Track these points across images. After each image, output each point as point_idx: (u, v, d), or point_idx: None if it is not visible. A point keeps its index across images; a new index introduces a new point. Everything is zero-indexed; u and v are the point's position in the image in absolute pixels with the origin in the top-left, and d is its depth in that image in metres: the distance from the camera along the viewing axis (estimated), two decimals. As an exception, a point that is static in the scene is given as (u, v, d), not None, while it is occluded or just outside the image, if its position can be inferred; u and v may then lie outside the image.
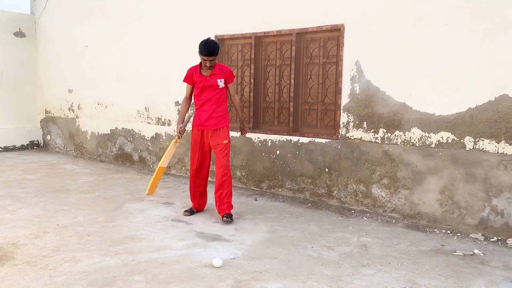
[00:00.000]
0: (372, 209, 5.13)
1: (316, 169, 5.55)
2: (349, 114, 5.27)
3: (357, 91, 5.17)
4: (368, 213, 5.07)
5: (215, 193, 4.66)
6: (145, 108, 7.54)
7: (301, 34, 5.68)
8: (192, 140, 4.77)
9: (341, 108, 5.32)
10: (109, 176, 6.95)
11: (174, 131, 7.09)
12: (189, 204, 5.21)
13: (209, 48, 4.42)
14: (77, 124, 8.89)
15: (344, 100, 5.28)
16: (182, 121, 4.80)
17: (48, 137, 9.63)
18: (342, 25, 5.23)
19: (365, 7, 5.05)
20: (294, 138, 5.75)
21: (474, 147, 4.46)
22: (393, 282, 3.30)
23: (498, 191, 4.32)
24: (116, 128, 8.08)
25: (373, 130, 5.10)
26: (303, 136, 5.67)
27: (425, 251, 3.95)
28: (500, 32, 4.24)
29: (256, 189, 6.17)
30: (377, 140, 5.09)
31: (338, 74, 5.33)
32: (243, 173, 6.29)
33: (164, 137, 7.26)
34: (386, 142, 5.02)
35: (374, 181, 5.09)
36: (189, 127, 6.37)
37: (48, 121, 9.57)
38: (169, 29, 7.03)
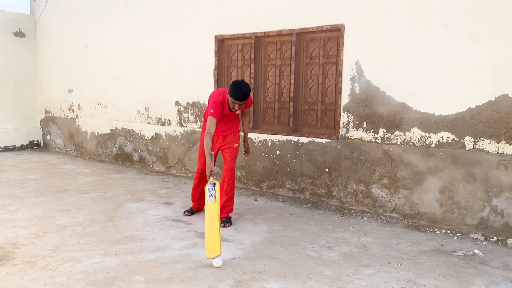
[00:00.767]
0: (372, 209, 5.13)
1: (316, 169, 5.55)
2: (349, 114, 5.26)
3: (357, 91, 5.17)
4: (368, 213, 5.07)
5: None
6: (145, 108, 7.54)
7: (301, 34, 5.68)
8: (201, 143, 4.75)
9: (341, 108, 5.32)
10: (109, 176, 6.95)
11: (174, 131, 7.09)
12: (189, 204, 5.21)
13: (243, 94, 4.22)
14: (77, 124, 8.89)
15: (344, 100, 5.28)
16: (210, 162, 4.31)
17: (48, 137, 9.62)
18: (342, 25, 5.23)
19: (365, 7, 5.05)
20: (294, 138, 5.75)
21: (474, 147, 4.46)
22: (393, 282, 3.30)
23: (498, 191, 4.32)
24: (116, 128, 8.08)
25: (373, 130, 5.10)
26: (303, 136, 5.67)
27: (425, 251, 3.95)
28: (500, 32, 4.24)
29: (256, 189, 6.16)
30: (377, 140, 5.08)
31: (338, 74, 5.33)
32: (243, 173, 6.29)
33: (164, 137, 7.26)
34: (386, 142, 5.02)
35: (374, 181, 5.09)
36: (192, 127, 6.36)
37: (48, 121, 9.57)
38: (169, 29, 7.03)
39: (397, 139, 4.94)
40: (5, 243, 3.89)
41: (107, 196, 5.66)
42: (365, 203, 5.18)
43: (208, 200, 3.90)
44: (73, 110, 8.96)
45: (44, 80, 9.53)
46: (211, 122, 4.35)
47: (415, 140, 4.81)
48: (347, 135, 5.30)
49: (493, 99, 4.31)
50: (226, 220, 4.55)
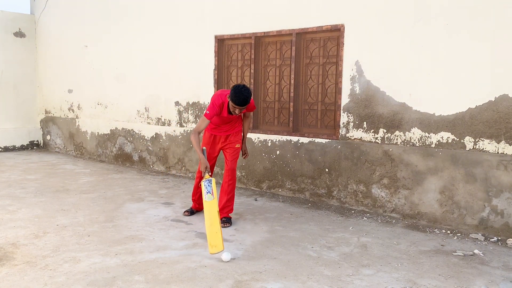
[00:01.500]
0: (372, 209, 5.13)
1: (316, 169, 5.55)
2: (349, 114, 5.26)
3: (357, 91, 5.17)
4: (368, 213, 5.07)
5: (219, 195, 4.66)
6: (145, 108, 7.54)
7: (301, 34, 5.68)
8: (203, 143, 4.74)
9: (341, 108, 5.32)
10: (109, 176, 6.95)
11: (174, 131, 7.10)
12: (189, 204, 5.21)
13: (243, 99, 4.18)
14: (77, 124, 8.89)
15: (344, 100, 5.28)
16: (204, 158, 4.33)
17: (48, 137, 9.62)
18: (342, 25, 5.23)
19: (365, 7, 5.05)
20: (294, 138, 5.75)
21: (474, 147, 4.46)
22: (393, 282, 3.30)
23: (498, 191, 4.32)
24: (116, 128, 8.08)
25: (373, 130, 5.10)
26: (303, 136, 5.67)
27: (425, 251, 3.95)
28: (500, 32, 4.24)
29: (256, 189, 6.17)
30: (377, 140, 5.08)
31: (338, 74, 5.33)
32: (243, 173, 6.29)
33: (164, 137, 7.26)
34: (386, 142, 5.02)
35: (374, 181, 5.09)
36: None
37: (48, 121, 9.57)
38: (169, 29, 7.03)
39: (397, 139, 4.94)
40: (5, 243, 3.89)
41: (107, 196, 5.66)
42: (365, 203, 5.18)
43: (205, 196, 3.95)
44: (73, 110, 8.96)
45: (44, 80, 9.53)
46: (203, 122, 4.37)
47: (415, 140, 4.81)
48: (347, 135, 5.30)
49: (493, 99, 4.31)
50: (226, 220, 4.55)
